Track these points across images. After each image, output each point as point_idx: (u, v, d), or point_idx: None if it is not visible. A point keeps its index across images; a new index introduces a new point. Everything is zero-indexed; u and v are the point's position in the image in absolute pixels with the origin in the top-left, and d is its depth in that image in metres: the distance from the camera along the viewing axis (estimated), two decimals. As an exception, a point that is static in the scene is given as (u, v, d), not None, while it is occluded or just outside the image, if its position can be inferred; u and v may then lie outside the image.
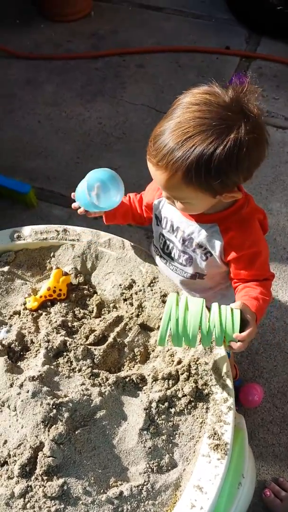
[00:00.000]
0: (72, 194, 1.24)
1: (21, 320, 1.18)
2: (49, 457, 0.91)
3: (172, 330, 0.98)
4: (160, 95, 2.81)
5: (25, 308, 1.21)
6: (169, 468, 0.97)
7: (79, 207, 1.25)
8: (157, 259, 1.31)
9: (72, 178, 2.41)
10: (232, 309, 0.99)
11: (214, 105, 0.93)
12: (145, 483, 0.94)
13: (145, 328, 1.22)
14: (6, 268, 1.31)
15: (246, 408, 1.68)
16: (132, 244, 1.34)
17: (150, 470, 0.96)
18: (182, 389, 1.06)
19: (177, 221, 1.19)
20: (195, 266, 1.21)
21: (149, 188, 1.29)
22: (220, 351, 1.14)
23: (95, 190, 1.15)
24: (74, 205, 1.26)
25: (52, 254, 1.37)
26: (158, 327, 1.20)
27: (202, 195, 0.99)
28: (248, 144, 0.91)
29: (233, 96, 0.93)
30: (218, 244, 1.12)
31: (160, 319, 1.21)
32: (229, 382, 1.08)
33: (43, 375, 1.02)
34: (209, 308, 1.01)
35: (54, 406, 0.97)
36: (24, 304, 1.22)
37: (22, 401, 0.97)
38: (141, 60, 3.08)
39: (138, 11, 3.47)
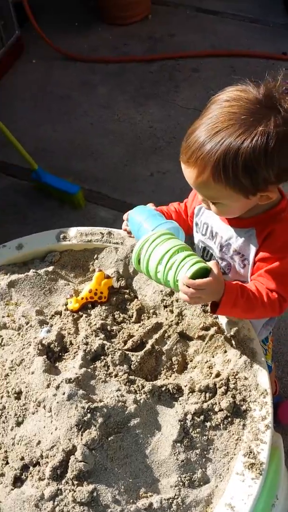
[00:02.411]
0: (125, 218, 1.23)
1: (61, 321, 1.19)
2: (80, 461, 0.91)
3: (134, 253, 1.04)
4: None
5: (67, 309, 1.22)
6: (201, 483, 0.95)
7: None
8: None
9: (120, 181, 2.45)
10: (199, 260, 0.98)
11: (244, 100, 0.92)
12: (176, 497, 0.92)
13: (184, 337, 1.20)
14: (50, 268, 1.32)
15: (285, 426, 1.62)
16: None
17: (181, 483, 0.94)
18: (219, 403, 1.04)
19: (216, 226, 1.16)
20: (234, 273, 1.18)
21: (190, 196, 1.28)
22: (260, 366, 1.10)
23: None
24: (126, 228, 1.25)
25: (95, 256, 1.37)
26: (198, 337, 1.18)
27: (233, 194, 0.96)
28: (277, 138, 0.88)
29: (264, 92, 0.92)
30: (253, 248, 1.09)
31: (201, 328, 1.19)
32: (268, 400, 1.04)
33: (79, 377, 1.03)
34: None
35: (88, 410, 0.97)
36: (66, 304, 1.23)
37: (57, 402, 0.98)
38: (195, 64, 3.06)
39: (195, 15, 3.45)
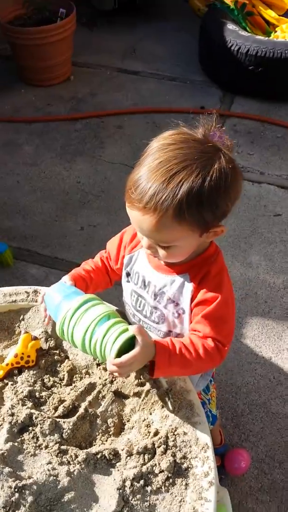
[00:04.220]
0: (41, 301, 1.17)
1: (-15, 392, 1.10)
2: None
3: (59, 325, 1.02)
4: (138, 154, 2.83)
5: (-10, 378, 1.14)
6: None
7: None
8: (130, 317, 1.26)
9: (50, 236, 2.41)
10: (121, 331, 0.96)
11: (191, 142, 0.95)
12: None
13: (120, 396, 1.14)
14: (-28, 334, 1.24)
15: (233, 476, 1.57)
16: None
17: None
18: (159, 464, 0.98)
19: (149, 275, 1.15)
20: (168, 324, 1.16)
21: (112, 249, 1.26)
22: (200, 419, 1.06)
23: None
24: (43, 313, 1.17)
25: (21, 317, 1.31)
26: (134, 394, 1.13)
27: (191, 234, 0.98)
28: (231, 173, 0.94)
29: (204, 133, 0.97)
30: (188, 294, 1.08)
31: (136, 384, 1.14)
32: (210, 454, 1.00)
33: (5, 454, 0.94)
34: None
35: (16, 490, 0.88)
36: (-10, 373, 1.15)
37: (-20, 485, 0.88)
38: (119, 121, 3.16)
39: (116, 75, 3.60)
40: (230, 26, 3.21)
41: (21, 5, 3.44)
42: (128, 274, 1.22)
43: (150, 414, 1.09)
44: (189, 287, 1.08)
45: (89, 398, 1.10)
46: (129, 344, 0.96)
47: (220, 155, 0.94)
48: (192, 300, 1.08)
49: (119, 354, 0.95)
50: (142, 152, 1.00)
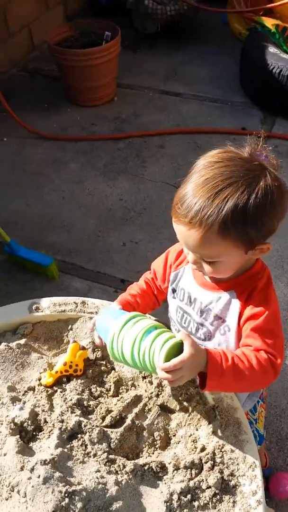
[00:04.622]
0: (92, 328, 1.18)
1: (35, 397, 1.13)
2: None
3: (109, 344, 1.02)
4: (179, 173, 2.86)
5: (40, 384, 1.16)
6: None
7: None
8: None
9: (94, 251, 2.46)
10: (168, 337, 0.96)
11: (237, 160, 0.97)
12: None
13: (166, 410, 1.14)
14: (22, 341, 1.27)
15: (278, 501, 1.53)
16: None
17: None
18: (206, 479, 0.97)
19: (195, 292, 1.16)
20: (214, 341, 1.16)
21: (158, 268, 1.28)
22: (247, 437, 1.05)
23: None
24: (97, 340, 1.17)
25: (70, 327, 1.34)
26: (180, 408, 1.13)
27: (236, 250, 0.99)
28: (277, 191, 0.96)
29: (250, 152, 1.00)
30: (235, 311, 1.08)
31: (182, 399, 1.14)
32: (258, 472, 0.99)
33: (55, 459, 0.95)
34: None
35: (66, 495, 0.89)
36: (39, 379, 1.17)
37: (32, 486, 0.89)
38: (161, 141, 3.21)
39: (158, 97, 3.68)
40: (272, 49, 3.25)
41: (68, 27, 3.59)
42: (174, 291, 1.23)
43: (197, 430, 1.08)
44: (236, 303, 1.08)
45: (136, 410, 1.11)
46: (178, 350, 0.95)
47: (265, 173, 0.96)
48: (239, 317, 1.08)
49: (168, 359, 0.94)
50: (188, 170, 1.03)
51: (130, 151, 3.15)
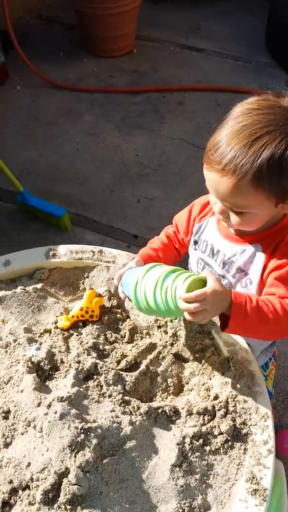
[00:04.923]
0: (117, 284, 1.17)
1: (51, 339, 1.13)
2: (74, 484, 0.84)
3: (133, 291, 1.02)
4: (198, 131, 2.82)
5: (56, 327, 1.17)
6: (202, 510, 0.89)
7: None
8: None
9: (107, 206, 2.43)
10: (191, 275, 0.95)
11: (276, 108, 0.94)
12: (175, 526, 0.86)
13: (180, 359, 1.15)
14: (39, 285, 1.27)
15: (281, 457, 1.56)
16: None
17: (181, 510, 0.88)
18: (218, 426, 0.99)
19: (218, 244, 1.14)
20: None
21: (181, 222, 1.26)
22: (261, 389, 1.06)
23: None
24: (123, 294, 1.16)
25: (86, 274, 1.33)
26: (194, 358, 1.14)
27: (266, 202, 0.96)
28: None
29: None
30: (259, 265, 1.07)
31: (196, 349, 1.15)
32: (270, 423, 1.00)
33: (72, 396, 0.96)
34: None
35: (82, 431, 0.90)
36: (55, 323, 1.18)
37: (49, 422, 0.91)
38: (180, 98, 3.13)
39: (179, 51, 3.56)
40: (302, 8, 3.12)
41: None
42: (196, 242, 1.22)
43: (210, 379, 1.09)
44: (261, 257, 1.07)
45: (150, 356, 1.12)
46: (201, 286, 0.93)
47: None
48: (263, 270, 1.07)
49: (190, 291, 0.92)
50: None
51: (148, 106, 3.07)
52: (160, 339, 1.17)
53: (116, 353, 1.12)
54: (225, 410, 1.01)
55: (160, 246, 1.27)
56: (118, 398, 1.00)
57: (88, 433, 0.91)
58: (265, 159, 0.90)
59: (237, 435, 0.99)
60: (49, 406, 0.94)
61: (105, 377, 1.03)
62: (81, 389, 1.00)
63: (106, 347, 1.13)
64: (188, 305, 0.92)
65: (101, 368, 1.05)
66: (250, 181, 0.92)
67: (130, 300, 1.07)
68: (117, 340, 1.18)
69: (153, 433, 0.97)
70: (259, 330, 0.99)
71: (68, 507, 0.83)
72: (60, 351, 1.09)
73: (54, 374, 1.06)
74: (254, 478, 0.92)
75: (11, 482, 0.87)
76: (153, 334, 1.20)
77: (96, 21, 3.31)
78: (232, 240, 1.12)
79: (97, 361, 1.06)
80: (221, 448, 0.97)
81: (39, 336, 1.15)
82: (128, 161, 2.69)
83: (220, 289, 0.93)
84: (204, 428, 0.98)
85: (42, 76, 3.13)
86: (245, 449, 0.97)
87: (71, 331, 1.16)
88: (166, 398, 1.07)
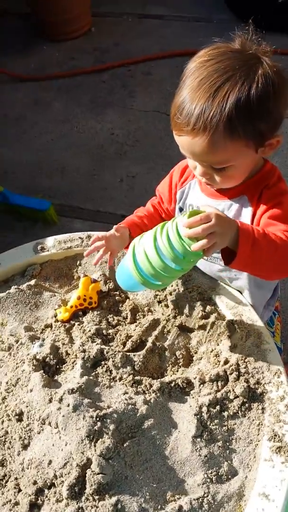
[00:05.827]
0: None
1: (53, 333, 1.12)
2: (98, 474, 0.83)
3: (131, 257, 0.93)
4: (170, 100, 2.74)
5: (57, 320, 1.15)
6: (230, 476, 0.89)
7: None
8: None
9: (91, 191, 2.40)
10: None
11: (229, 53, 0.92)
12: (205, 495, 0.86)
13: (185, 330, 1.14)
14: (32, 282, 1.25)
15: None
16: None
17: (209, 480, 0.87)
18: (233, 390, 0.98)
19: (205, 204, 1.11)
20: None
21: (163, 191, 1.24)
22: (270, 346, 1.05)
23: None
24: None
25: (78, 262, 1.31)
26: (199, 327, 1.13)
27: (246, 150, 0.93)
28: (277, 77, 0.90)
29: (241, 42, 0.94)
30: (247, 215, 1.04)
31: (200, 317, 1.14)
32: (283, 379, 0.99)
33: (82, 386, 0.95)
34: None
35: (98, 419, 0.89)
36: (55, 316, 1.16)
37: (63, 416, 0.90)
38: (147, 68, 3.06)
39: (138, 21, 3.47)
40: None
41: None
42: (181, 209, 1.19)
43: (218, 344, 1.08)
44: (248, 208, 1.05)
45: (155, 333, 1.11)
46: None
47: (262, 60, 0.91)
48: (253, 219, 1.04)
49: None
50: (180, 77, 0.96)
51: (116, 82, 3.00)
52: (163, 314, 1.16)
53: (121, 335, 1.11)
54: (237, 373, 1.00)
55: (146, 214, 1.25)
56: (129, 380, 0.99)
57: (104, 419, 0.90)
58: (232, 105, 0.87)
59: (253, 396, 0.98)
60: (60, 400, 0.93)
61: (113, 361, 1.02)
62: (91, 377, 0.99)
63: (110, 331, 1.12)
64: (194, 229, 0.84)
65: (107, 353, 1.04)
66: (223, 132, 0.89)
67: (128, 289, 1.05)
68: (120, 322, 1.16)
69: (169, 408, 0.97)
70: (266, 260, 0.93)
71: (96, 497, 0.83)
72: (64, 344, 1.08)
73: (62, 368, 1.04)
74: (276, 436, 0.91)
75: (35, 483, 0.87)
76: (154, 310, 1.19)
77: (49, 5, 3.22)
78: (217, 197, 1.09)
79: (103, 346, 1.05)
80: (239, 411, 0.96)
81: (41, 333, 1.14)
82: (104, 142, 2.64)
83: (223, 214, 0.89)
84: (219, 394, 0.97)
85: (2, 71, 3.05)
86: (263, 408, 0.96)
87: (72, 322, 1.14)
88: (177, 371, 1.06)
